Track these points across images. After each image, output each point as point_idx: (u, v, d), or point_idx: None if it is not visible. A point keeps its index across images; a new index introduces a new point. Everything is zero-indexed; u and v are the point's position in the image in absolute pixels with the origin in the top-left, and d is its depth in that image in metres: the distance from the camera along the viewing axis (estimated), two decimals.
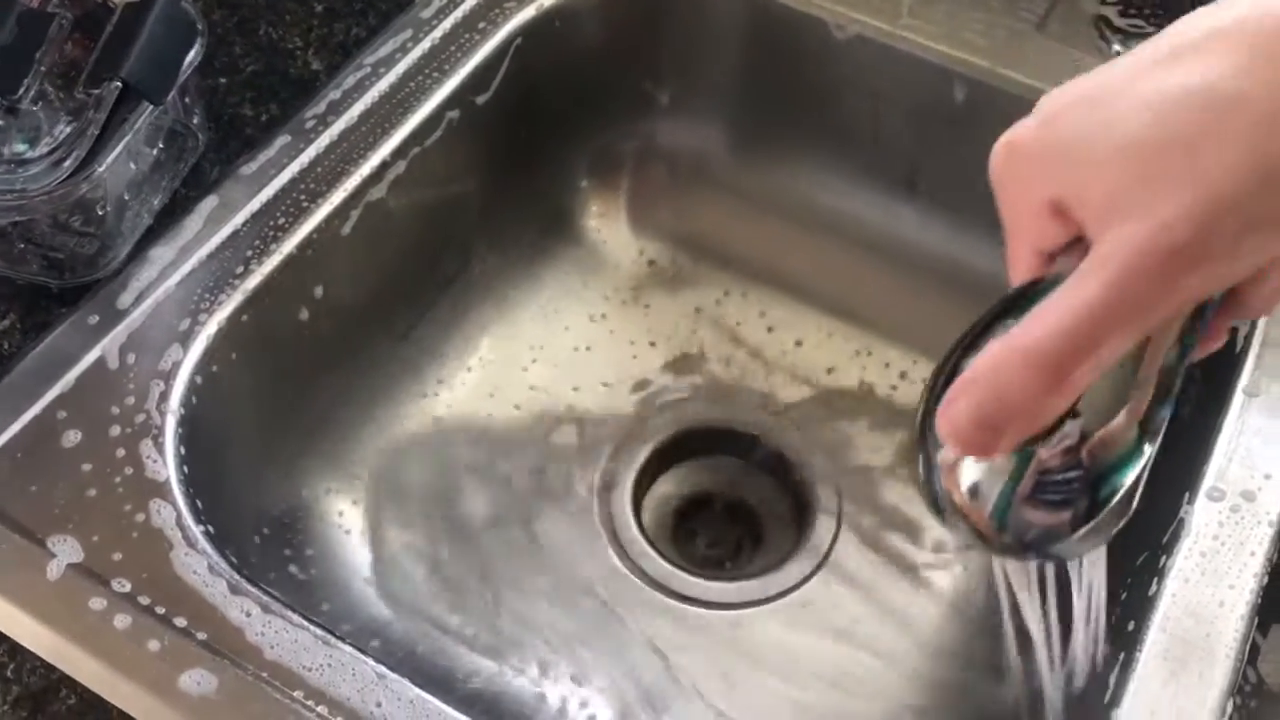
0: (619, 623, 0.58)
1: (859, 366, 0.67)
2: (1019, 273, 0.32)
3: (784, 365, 0.67)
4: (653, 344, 0.68)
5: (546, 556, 0.60)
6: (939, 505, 0.33)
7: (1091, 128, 0.29)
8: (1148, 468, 0.31)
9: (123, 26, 0.48)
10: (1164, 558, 0.45)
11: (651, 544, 0.61)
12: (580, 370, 0.66)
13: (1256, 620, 0.44)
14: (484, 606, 0.58)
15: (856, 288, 0.69)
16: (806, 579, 0.60)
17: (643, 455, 0.64)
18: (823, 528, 0.62)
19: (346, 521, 0.59)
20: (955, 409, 0.29)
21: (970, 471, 0.32)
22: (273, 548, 0.55)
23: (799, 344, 0.68)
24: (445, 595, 0.58)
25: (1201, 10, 0.29)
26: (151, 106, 0.49)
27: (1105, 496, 0.31)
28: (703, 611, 0.59)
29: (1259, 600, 0.44)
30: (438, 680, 0.55)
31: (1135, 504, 0.31)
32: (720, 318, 0.69)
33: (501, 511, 0.61)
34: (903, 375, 0.66)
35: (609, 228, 0.71)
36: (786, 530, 0.64)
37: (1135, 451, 0.31)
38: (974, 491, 0.32)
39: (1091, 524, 0.31)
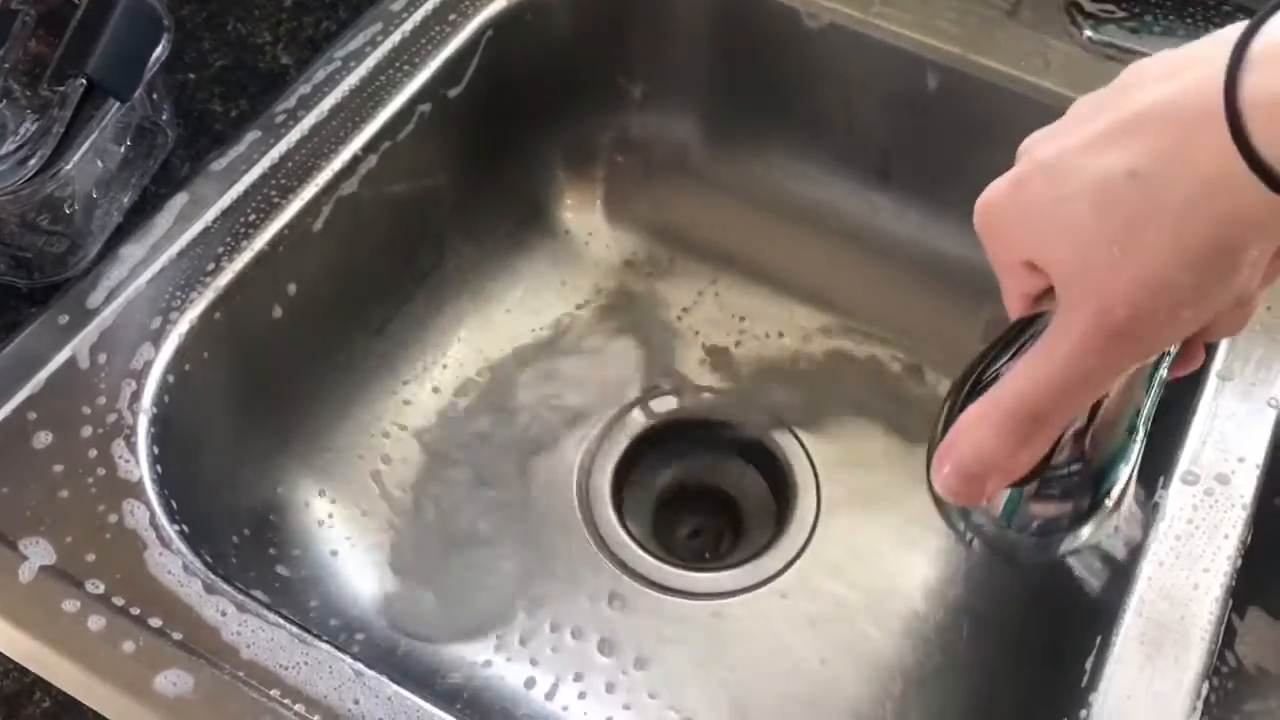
0: (599, 615, 0.58)
1: (836, 355, 0.67)
2: (1013, 309, 0.36)
3: (761, 355, 0.67)
4: (629, 335, 0.67)
5: (526, 550, 0.60)
6: (950, 516, 0.38)
7: (1048, 204, 0.31)
8: (1137, 465, 0.35)
9: (87, 23, 0.48)
10: (1142, 540, 0.45)
11: (631, 535, 0.61)
12: (557, 363, 0.66)
13: (1232, 603, 0.45)
14: (463, 601, 0.58)
15: (832, 276, 0.69)
16: (786, 568, 0.60)
17: (621, 447, 0.64)
18: (802, 516, 0.62)
19: (323, 518, 0.58)
20: (944, 472, 0.34)
21: None
22: (250, 546, 0.54)
23: (776, 333, 0.68)
24: (424, 590, 0.58)
25: (1154, 70, 0.31)
26: (118, 103, 0.48)
27: (1106, 490, 0.34)
28: (683, 601, 0.59)
29: (1233, 583, 0.45)
30: (419, 675, 0.55)
31: (1126, 500, 0.35)
32: (697, 308, 0.68)
33: (480, 506, 0.61)
34: (880, 363, 0.66)
35: (584, 220, 0.70)
36: (766, 519, 0.64)
37: (1127, 445, 0.34)
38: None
39: (1093, 516, 0.34)
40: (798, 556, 0.61)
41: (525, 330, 0.67)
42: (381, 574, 0.58)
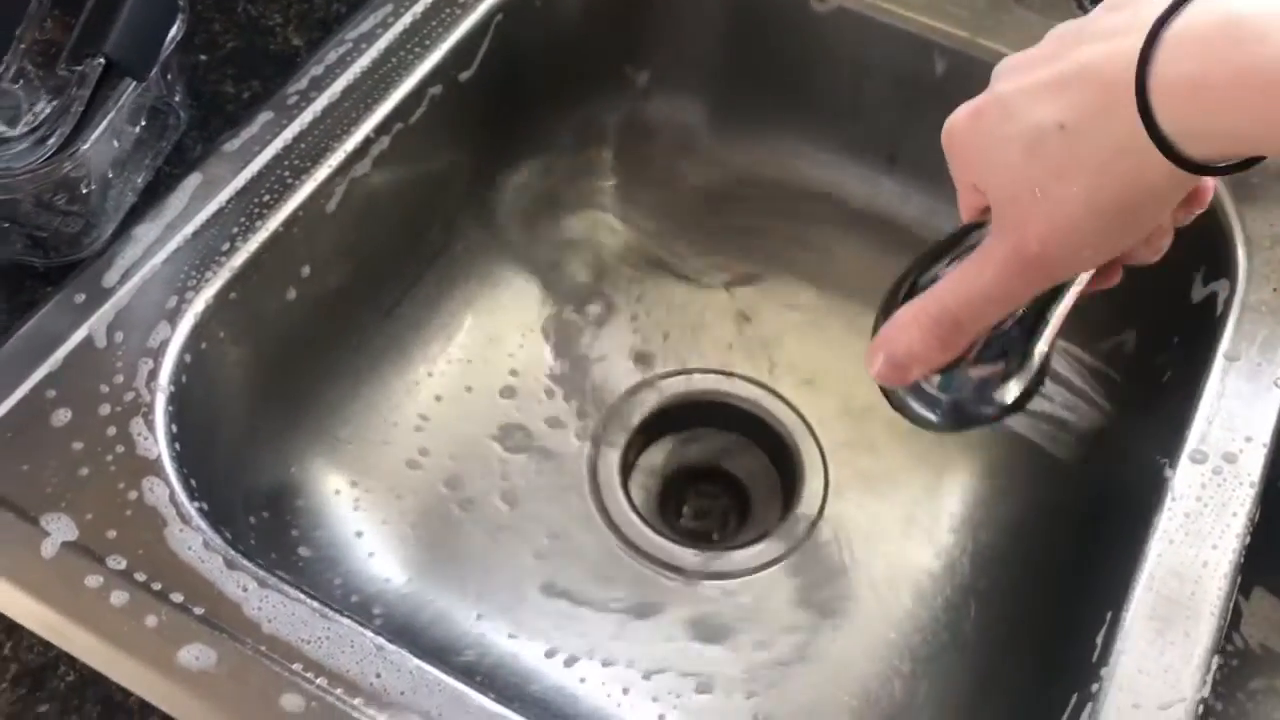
0: (609, 594, 0.59)
1: (842, 338, 0.67)
2: (964, 218, 0.40)
3: (767, 337, 0.67)
4: (637, 318, 0.68)
5: (536, 528, 0.61)
6: (892, 396, 0.42)
7: (996, 139, 0.35)
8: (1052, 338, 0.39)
9: (103, 3, 0.48)
10: (1151, 518, 0.46)
11: (640, 515, 0.62)
12: (566, 344, 0.67)
13: (1239, 580, 0.45)
14: (477, 578, 0.58)
15: (839, 260, 0.69)
16: (793, 549, 0.61)
17: (630, 428, 0.65)
18: (809, 498, 0.63)
19: (337, 496, 0.59)
20: (876, 358, 0.39)
21: None
22: (265, 523, 0.55)
23: (783, 316, 0.68)
24: (437, 568, 0.58)
25: (1102, 25, 0.34)
26: (135, 83, 0.49)
27: (1030, 352, 0.39)
28: (691, 581, 0.60)
29: (1241, 560, 0.45)
30: (435, 651, 0.56)
31: (1045, 376, 0.40)
32: (703, 291, 0.69)
33: (490, 483, 0.61)
34: None
35: (593, 203, 0.71)
36: (773, 501, 0.65)
37: (1042, 322, 0.39)
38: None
39: (1021, 375, 0.39)
40: (805, 538, 0.61)
41: (534, 312, 0.67)
42: (394, 552, 0.59)
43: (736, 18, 0.67)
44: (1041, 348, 0.39)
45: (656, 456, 0.66)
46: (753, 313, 0.68)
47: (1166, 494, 0.47)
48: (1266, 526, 0.47)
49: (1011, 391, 0.40)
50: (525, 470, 0.62)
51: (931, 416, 0.41)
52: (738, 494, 0.66)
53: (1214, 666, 0.43)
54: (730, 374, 0.66)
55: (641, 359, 0.66)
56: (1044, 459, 0.61)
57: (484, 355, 0.65)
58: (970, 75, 0.62)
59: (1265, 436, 0.48)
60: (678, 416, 0.66)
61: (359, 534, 0.58)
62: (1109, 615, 0.44)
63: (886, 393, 0.42)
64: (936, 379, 0.40)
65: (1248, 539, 0.46)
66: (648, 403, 0.65)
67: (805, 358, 0.67)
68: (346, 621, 0.43)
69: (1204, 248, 0.55)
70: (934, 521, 0.61)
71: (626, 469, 0.64)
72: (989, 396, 0.40)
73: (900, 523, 0.62)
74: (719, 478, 0.66)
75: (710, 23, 0.67)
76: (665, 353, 0.67)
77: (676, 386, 0.66)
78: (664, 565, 0.60)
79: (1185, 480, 0.47)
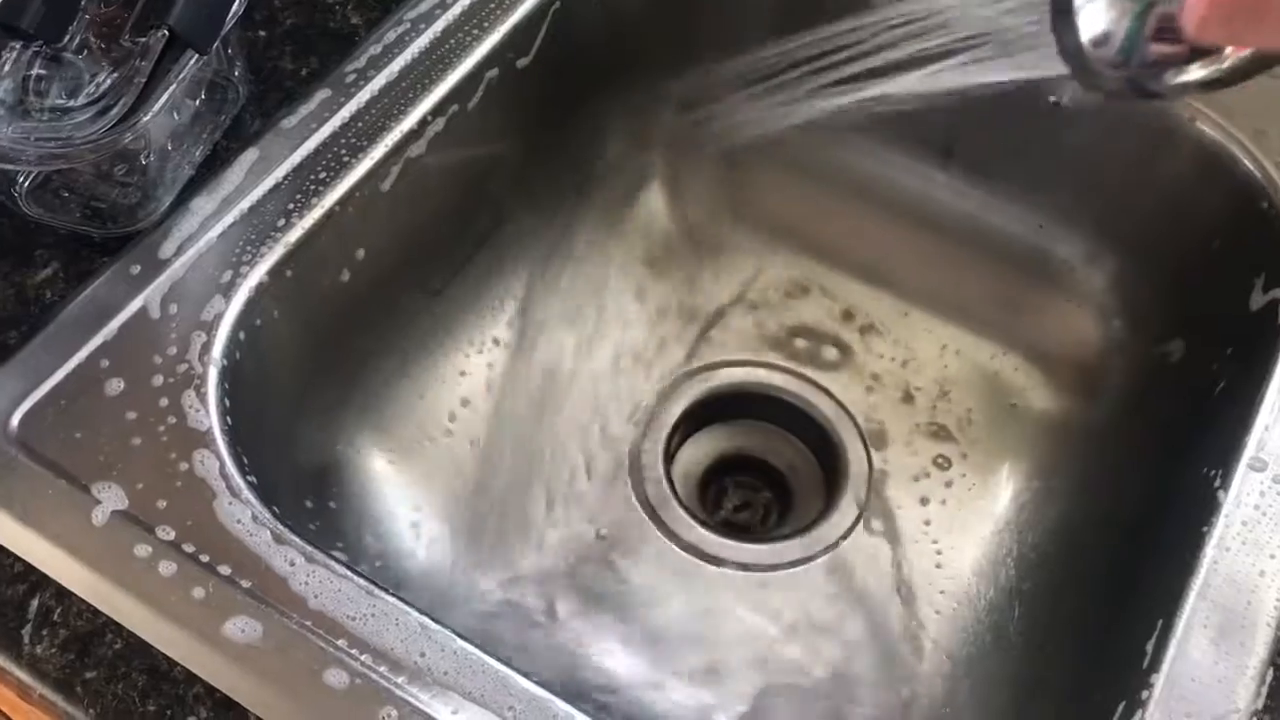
0: (650, 584, 0.59)
1: (892, 333, 0.67)
2: None
3: (817, 330, 0.67)
4: (685, 305, 0.68)
5: (579, 515, 0.61)
6: (1070, 53, 0.39)
7: None
8: None
9: None
10: (1204, 526, 0.45)
11: (682, 504, 0.62)
12: (613, 330, 0.66)
13: None
14: (517, 561, 0.58)
15: (890, 253, 0.68)
16: (835, 544, 0.60)
17: (674, 417, 0.64)
18: (853, 493, 0.62)
19: (382, 475, 0.59)
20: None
21: (1098, 20, 0.38)
22: (312, 499, 0.55)
23: (831, 309, 0.68)
24: (478, 550, 0.58)
25: None
26: (196, 57, 0.49)
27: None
28: (731, 573, 0.59)
29: None
30: (476, 637, 0.56)
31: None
32: (753, 281, 0.68)
33: (535, 469, 0.61)
34: (934, 341, 0.66)
35: (645, 191, 0.70)
36: (815, 494, 0.64)
37: None
38: (1103, 38, 0.37)
39: (1209, 59, 0.37)
40: (848, 533, 0.61)
41: (582, 297, 0.67)
42: (437, 533, 0.59)
43: (794, 5, 0.66)
44: None
45: (700, 446, 0.65)
46: (803, 305, 0.68)
47: (1223, 501, 0.46)
48: None
49: (1189, 73, 0.38)
50: (568, 454, 0.62)
51: (1108, 73, 0.39)
52: (780, 487, 0.65)
53: (1270, 678, 0.42)
54: (776, 366, 0.66)
55: (689, 347, 0.66)
56: (1094, 462, 0.60)
57: (531, 338, 0.65)
58: None
59: None
60: (722, 407, 0.66)
61: (403, 513, 0.59)
62: (1160, 622, 0.44)
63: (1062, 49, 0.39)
64: (1120, 42, 0.37)
65: None
66: (693, 392, 0.65)
67: (854, 351, 0.66)
68: (392, 600, 0.43)
69: (1265, 255, 0.55)
70: (978, 522, 0.61)
71: (669, 458, 0.64)
72: (1166, 73, 0.38)
73: (944, 521, 0.61)
74: (761, 469, 0.66)
75: (768, 10, 0.66)
76: (714, 341, 0.66)
77: (723, 377, 0.66)
78: (705, 556, 0.60)
79: (1243, 488, 0.46)
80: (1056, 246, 0.65)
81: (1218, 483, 0.47)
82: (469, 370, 0.64)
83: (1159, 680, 0.42)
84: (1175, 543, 0.47)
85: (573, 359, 0.66)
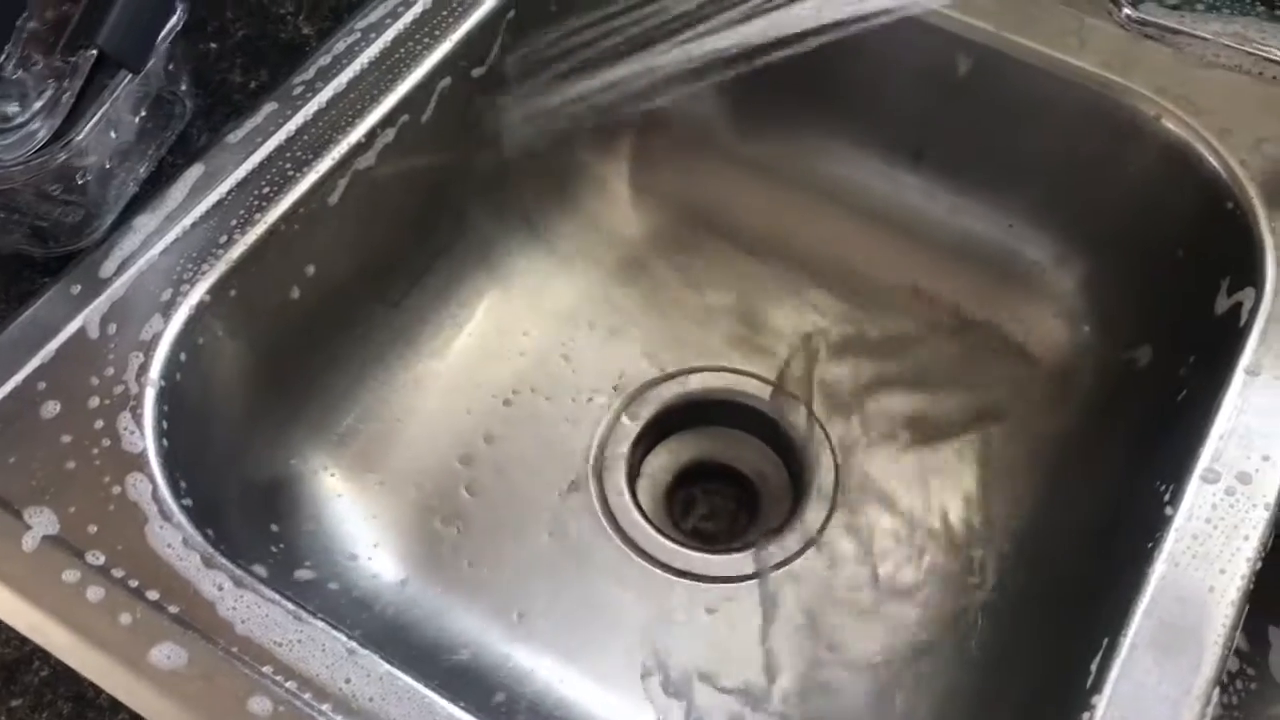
0: (609, 596, 0.58)
1: (859, 334, 0.66)
2: None
3: (784, 334, 0.66)
4: (650, 313, 0.67)
5: (538, 526, 0.60)
6: None
7: None
8: None
9: None
10: (1152, 541, 0.44)
11: (645, 515, 0.61)
12: (576, 338, 0.66)
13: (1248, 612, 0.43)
14: (475, 577, 0.58)
15: (859, 256, 0.67)
16: (798, 554, 0.60)
17: (638, 426, 0.64)
18: (818, 499, 0.61)
19: (336, 489, 0.58)
20: None
21: None
22: (260, 519, 0.54)
23: (799, 312, 0.67)
24: (436, 565, 0.58)
25: None
26: (130, 75, 0.48)
27: None
28: (692, 584, 0.58)
29: (1250, 586, 0.43)
30: (426, 650, 0.55)
31: None
32: (720, 287, 0.67)
33: (495, 481, 0.61)
34: (903, 344, 0.65)
35: (609, 196, 0.70)
36: (782, 502, 0.63)
37: None
38: None
39: None
40: (810, 543, 0.60)
41: (545, 306, 0.66)
42: (394, 546, 0.58)
43: None
44: None
45: (664, 454, 0.65)
46: (770, 309, 0.67)
47: (1172, 515, 0.45)
48: None
49: None
50: (530, 467, 0.62)
51: None
52: (746, 494, 0.64)
53: (1215, 698, 0.41)
54: (742, 372, 0.65)
55: (652, 355, 0.65)
56: (1060, 470, 0.59)
57: (493, 347, 0.65)
58: (998, 70, 0.60)
59: None
60: (687, 414, 0.65)
61: (358, 527, 0.58)
62: (1105, 641, 0.43)
63: None
64: None
65: (1258, 564, 0.44)
66: (657, 400, 0.64)
67: (821, 356, 0.65)
68: (319, 624, 0.42)
69: (1232, 255, 0.53)
70: (943, 530, 0.60)
71: (633, 467, 0.63)
72: None
73: (909, 531, 0.60)
74: (728, 477, 0.65)
75: None
76: (676, 349, 0.66)
77: (686, 384, 0.65)
78: (666, 566, 0.59)
79: (1195, 500, 0.45)
80: (1026, 248, 0.64)
81: (1168, 496, 0.45)
82: (429, 381, 0.63)
83: (1100, 702, 0.41)
84: (1127, 557, 0.46)
85: (537, 366, 0.65)
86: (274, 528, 0.55)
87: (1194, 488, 0.45)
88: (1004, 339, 0.64)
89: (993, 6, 0.60)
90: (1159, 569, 0.44)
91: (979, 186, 0.64)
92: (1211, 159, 0.55)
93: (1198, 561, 0.44)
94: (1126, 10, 0.59)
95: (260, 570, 0.50)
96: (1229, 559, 0.44)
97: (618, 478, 0.62)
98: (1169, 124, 0.56)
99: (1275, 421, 0.47)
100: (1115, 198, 0.60)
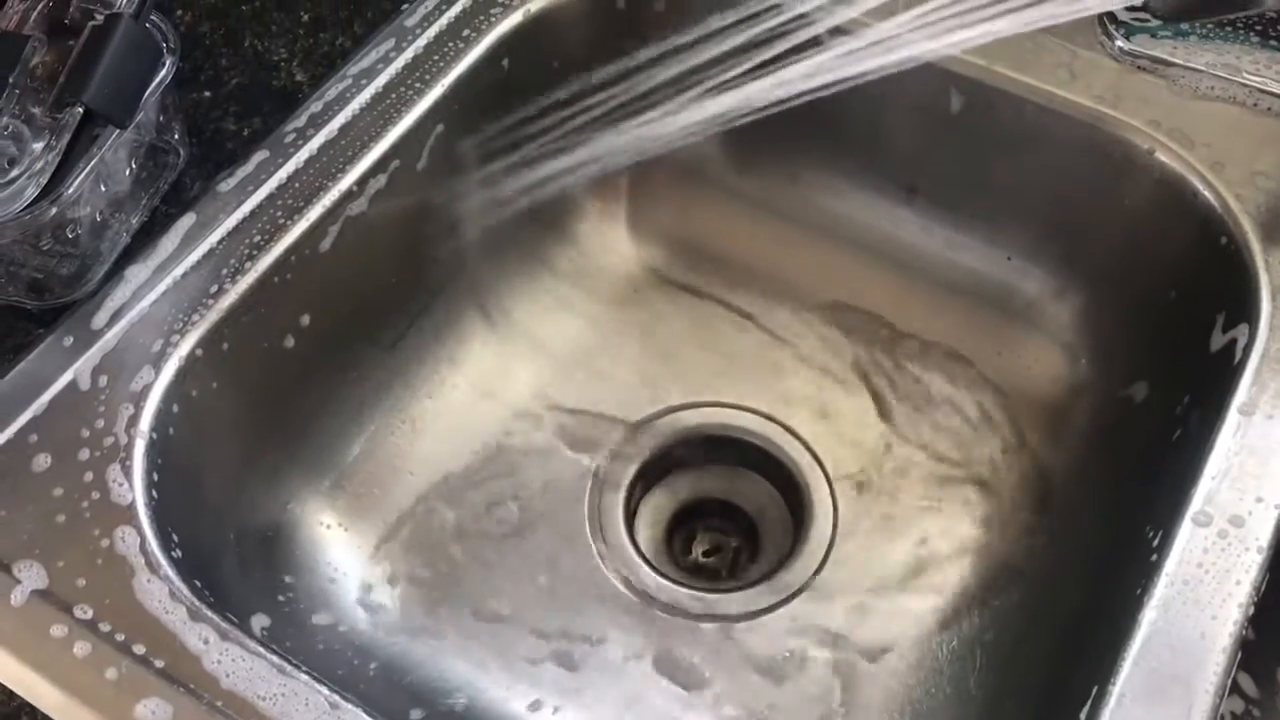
0: (609, 638, 0.58)
1: (856, 370, 0.66)
2: None
3: (782, 369, 0.66)
4: (649, 350, 0.67)
5: (538, 567, 0.60)
6: None
7: None
8: None
9: (87, 50, 0.48)
10: (1141, 587, 0.44)
11: (643, 555, 0.61)
12: (574, 377, 0.66)
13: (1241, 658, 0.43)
14: (474, 620, 0.58)
15: (856, 291, 0.67)
16: (799, 591, 0.59)
17: (637, 463, 0.64)
18: (818, 534, 0.61)
19: (332, 534, 0.59)
20: None
21: None
22: (256, 567, 0.55)
23: (797, 347, 0.66)
24: (434, 608, 0.58)
25: None
26: (118, 130, 0.49)
27: None
28: (689, 623, 0.58)
29: (1243, 633, 0.43)
30: (422, 695, 0.55)
31: None
32: (717, 323, 0.67)
33: (494, 522, 0.61)
34: (901, 378, 0.65)
35: (606, 233, 0.70)
36: (783, 537, 0.63)
37: None
38: None
39: None
40: (811, 579, 0.60)
41: (542, 344, 0.66)
42: (389, 591, 0.58)
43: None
44: None
45: (663, 493, 0.64)
46: (768, 343, 0.67)
47: (1164, 560, 0.44)
48: None
49: None
50: (527, 507, 0.62)
51: None
52: (747, 530, 0.64)
53: None
54: (740, 408, 0.65)
55: (650, 392, 0.65)
56: (1059, 507, 0.58)
57: (490, 387, 0.65)
58: (989, 105, 0.60)
59: (1278, 498, 0.46)
60: (686, 451, 0.65)
61: (354, 571, 0.58)
62: (1094, 689, 0.42)
63: None
64: None
65: (1250, 610, 0.43)
66: (656, 437, 0.64)
67: (819, 392, 0.65)
68: (304, 677, 0.42)
69: (1227, 291, 0.53)
70: (943, 566, 0.59)
71: (631, 506, 0.63)
72: None
73: (910, 565, 0.60)
74: (727, 513, 0.65)
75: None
76: (674, 386, 0.65)
77: (685, 420, 0.65)
78: (665, 607, 0.59)
79: (1186, 544, 0.44)
80: (1025, 282, 0.64)
81: (1157, 540, 0.45)
82: (425, 423, 0.63)
83: None
84: (1118, 602, 0.46)
85: (535, 405, 0.65)
86: (270, 574, 0.56)
87: (1186, 531, 0.45)
88: (1005, 373, 0.64)
89: (985, 41, 0.60)
90: (1149, 615, 0.43)
91: (975, 220, 0.64)
92: (1206, 193, 0.54)
93: (1189, 608, 0.43)
94: (1119, 42, 0.59)
95: (257, 619, 0.51)
96: (1220, 604, 0.43)
97: (615, 516, 0.62)
98: (1163, 157, 0.56)
99: (1268, 462, 0.46)
100: (1112, 231, 0.59)
